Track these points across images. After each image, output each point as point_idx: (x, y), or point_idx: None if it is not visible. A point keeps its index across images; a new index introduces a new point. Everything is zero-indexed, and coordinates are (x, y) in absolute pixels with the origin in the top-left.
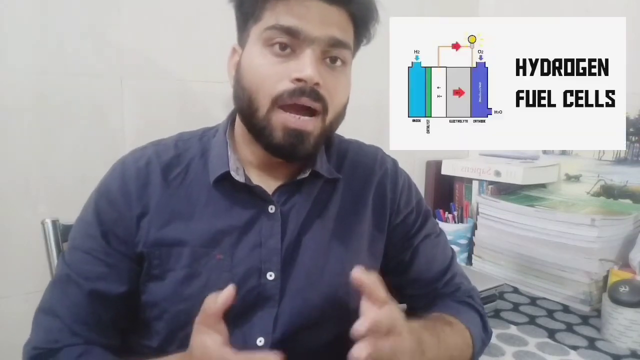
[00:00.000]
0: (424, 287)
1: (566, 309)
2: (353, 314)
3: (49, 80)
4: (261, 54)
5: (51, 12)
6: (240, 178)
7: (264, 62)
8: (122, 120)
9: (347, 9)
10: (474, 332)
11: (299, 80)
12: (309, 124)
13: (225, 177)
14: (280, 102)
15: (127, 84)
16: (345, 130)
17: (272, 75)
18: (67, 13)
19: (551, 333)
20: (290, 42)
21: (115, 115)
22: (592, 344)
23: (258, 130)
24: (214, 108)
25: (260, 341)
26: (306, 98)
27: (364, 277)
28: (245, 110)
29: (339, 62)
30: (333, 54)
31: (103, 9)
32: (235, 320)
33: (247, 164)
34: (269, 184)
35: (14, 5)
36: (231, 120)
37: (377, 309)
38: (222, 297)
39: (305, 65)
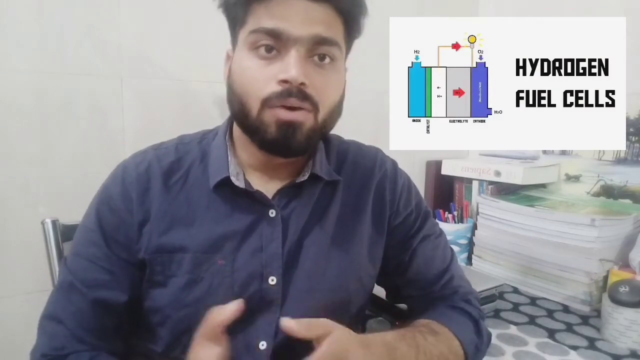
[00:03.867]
0: (422, 288)
1: (566, 309)
2: (354, 318)
3: (49, 80)
4: (248, 57)
5: (51, 12)
6: (240, 183)
7: (251, 65)
8: (122, 120)
9: (333, 4)
10: (463, 340)
11: (285, 81)
12: (301, 116)
13: (225, 182)
14: (269, 104)
15: (127, 84)
16: (345, 131)
17: (259, 78)
18: (67, 13)
19: (551, 333)
20: (274, 43)
21: (115, 115)
22: (592, 344)
23: (252, 131)
24: (214, 108)
25: (262, 345)
26: (293, 99)
27: (292, 325)
28: (238, 113)
29: (327, 60)
30: (320, 52)
31: (103, 9)
32: (238, 324)
33: (246, 167)
34: (269, 188)
35: (14, 5)
36: (230, 123)
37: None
38: (228, 310)
39: (290, 66)
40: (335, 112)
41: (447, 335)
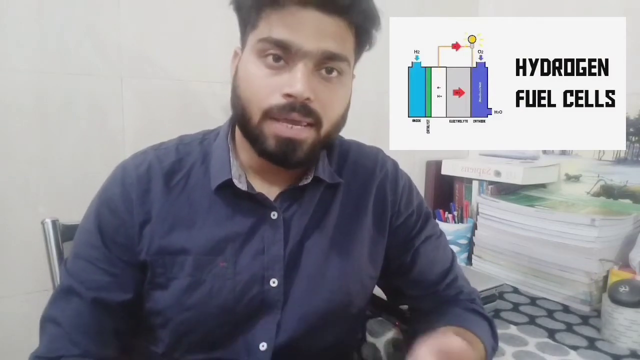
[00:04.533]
0: (426, 288)
1: (566, 309)
2: (354, 318)
3: (49, 80)
4: (255, 64)
5: (51, 12)
6: (242, 186)
7: (258, 73)
8: (122, 120)
9: (346, 18)
10: (486, 344)
11: (289, 95)
12: (302, 133)
13: (227, 184)
14: (270, 115)
15: (127, 84)
16: (345, 130)
17: (264, 87)
18: (67, 13)
19: (551, 333)
20: (283, 54)
21: (115, 115)
22: (592, 344)
23: (252, 138)
24: (214, 108)
25: (263, 346)
26: (296, 113)
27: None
28: (240, 118)
29: (334, 73)
30: (328, 66)
31: (103, 9)
32: (238, 326)
33: (248, 168)
34: (270, 190)
35: (14, 5)
36: (233, 124)
37: None
38: None
39: (296, 80)
40: (340, 124)
41: (476, 342)
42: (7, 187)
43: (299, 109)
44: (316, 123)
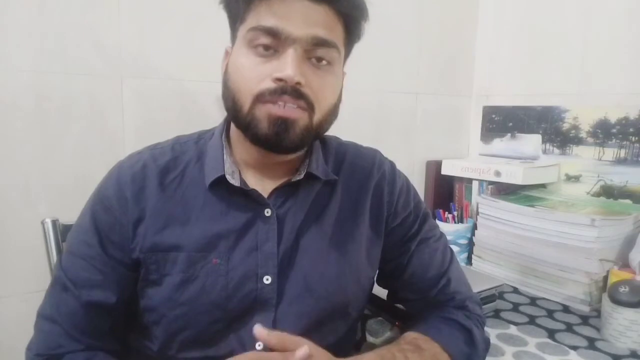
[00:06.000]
0: (418, 292)
1: (566, 309)
2: (353, 319)
3: (49, 80)
4: (245, 55)
5: (51, 12)
6: (235, 182)
7: (248, 62)
8: (122, 120)
9: (334, 6)
10: (452, 353)
11: (279, 80)
12: (294, 112)
13: (221, 181)
14: (262, 100)
15: (127, 84)
16: (344, 131)
17: (255, 75)
18: (67, 13)
19: (551, 333)
20: (272, 43)
21: (115, 115)
22: (592, 344)
23: (245, 126)
24: (214, 108)
25: (259, 345)
26: (287, 96)
27: (263, 335)
28: (231, 109)
29: (324, 62)
30: (318, 54)
31: (103, 9)
32: (232, 323)
33: (243, 165)
34: (265, 187)
35: (14, 5)
36: (227, 122)
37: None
38: None
39: (286, 65)
40: (332, 114)
41: (434, 350)
42: (7, 187)
43: (290, 92)
44: (308, 107)
